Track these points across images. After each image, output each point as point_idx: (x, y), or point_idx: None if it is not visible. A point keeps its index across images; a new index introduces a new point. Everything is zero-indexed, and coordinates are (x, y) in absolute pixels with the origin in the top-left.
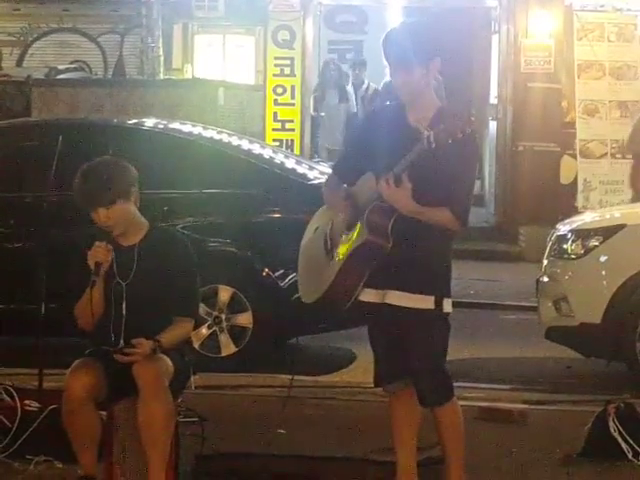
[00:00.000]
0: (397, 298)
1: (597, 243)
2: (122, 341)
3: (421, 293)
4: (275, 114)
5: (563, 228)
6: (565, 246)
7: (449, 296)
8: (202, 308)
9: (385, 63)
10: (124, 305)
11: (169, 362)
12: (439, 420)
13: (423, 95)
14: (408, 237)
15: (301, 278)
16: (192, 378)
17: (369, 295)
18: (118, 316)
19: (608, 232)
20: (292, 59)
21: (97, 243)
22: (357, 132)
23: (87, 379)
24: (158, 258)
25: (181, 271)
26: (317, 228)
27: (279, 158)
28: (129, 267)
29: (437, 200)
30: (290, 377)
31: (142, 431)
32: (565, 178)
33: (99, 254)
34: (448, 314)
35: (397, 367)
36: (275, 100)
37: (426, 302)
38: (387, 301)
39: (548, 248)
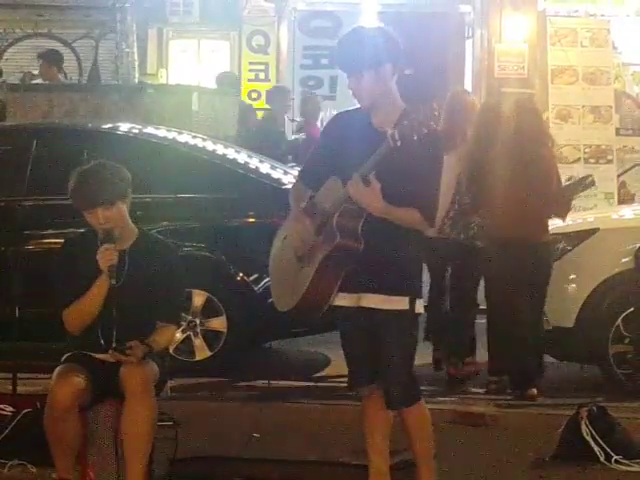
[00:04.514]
0: (372, 300)
1: (570, 247)
2: (114, 343)
3: (395, 294)
4: None
5: None
6: None
7: (421, 297)
8: None
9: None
10: (114, 309)
11: (155, 367)
12: (407, 422)
13: (383, 99)
14: (378, 238)
15: (274, 288)
16: (168, 383)
17: (343, 299)
18: (107, 319)
19: (581, 236)
20: (267, 64)
21: (105, 246)
22: (323, 137)
23: (73, 386)
24: (147, 264)
25: (169, 278)
26: (285, 237)
27: (253, 163)
28: (120, 271)
29: (406, 200)
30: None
31: (126, 434)
32: None
33: (111, 256)
34: (419, 315)
35: (370, 370)
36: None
37: (401, 303)
38: (362, 304)
39: None
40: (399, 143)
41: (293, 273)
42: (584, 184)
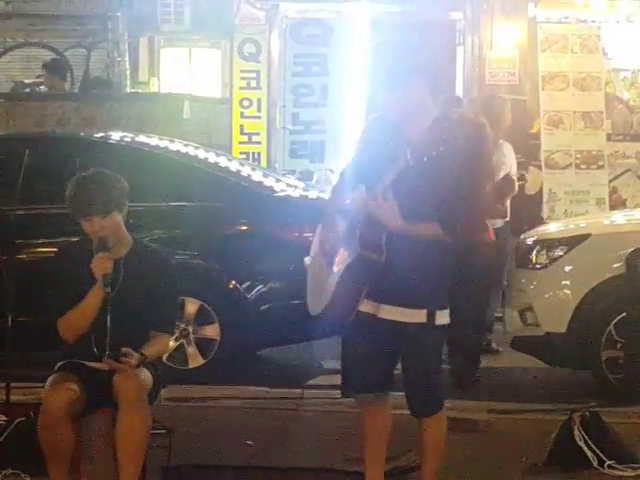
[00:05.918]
0: (390, 312)
1: (562, 253)
2: (108, 351)
3: (413, 307)
4: (242, 127)
5: (528, 238)
6: (530, 256)
7: (444, 308)
8: None
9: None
10: (108, 317)
11: (149, 375)
12: (424, 429)
13: (414, 111)
14: (400, 250)
15: (309, 291)
16: (161, 391)
17: (364, 305)
18: (101, 328)
19: (573, 242)
20: (258, 72)
21: (100, 254)
22: (360, 141)
23: (67, 394)
24: (142, 273)
25: (164, 288)
26: (321, 241)
27: (245, 171)
28: (115, 280)
29: (426, 215)
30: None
31: (120, 443)
32: (531, 189)
33: (105, 265)
34: (443, 326)
35: (375, 378)
36: (241, 113)
37: (418, 316)
38: (380, 315)
39: (514, 258)
40: (411, 163)
41: (324, 278)
42: (508, 182)
